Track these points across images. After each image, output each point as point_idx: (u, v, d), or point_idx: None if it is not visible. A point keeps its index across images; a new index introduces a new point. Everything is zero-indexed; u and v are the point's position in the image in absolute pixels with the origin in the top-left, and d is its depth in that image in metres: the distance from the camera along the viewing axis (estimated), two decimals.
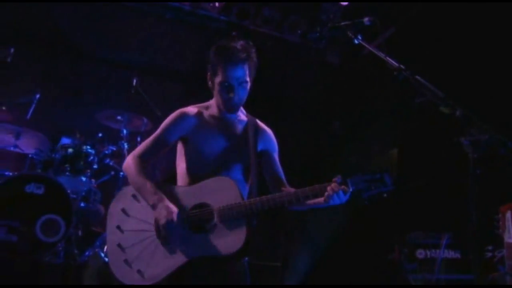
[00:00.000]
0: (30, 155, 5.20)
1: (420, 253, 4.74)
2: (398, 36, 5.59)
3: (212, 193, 2.50)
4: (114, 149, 5.41)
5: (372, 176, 2.34)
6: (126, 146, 5.35)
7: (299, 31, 6.48)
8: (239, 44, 2.58)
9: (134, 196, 2.62)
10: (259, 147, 2.76)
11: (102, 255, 4.54)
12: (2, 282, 4.08)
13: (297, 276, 5.99)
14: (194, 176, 2.61)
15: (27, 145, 5.26)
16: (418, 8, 5.63)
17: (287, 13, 6.37)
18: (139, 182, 2.56)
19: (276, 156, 2.82)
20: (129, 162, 2.64)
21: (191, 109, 2.73)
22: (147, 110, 5.50)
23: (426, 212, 5.28)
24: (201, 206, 2.50)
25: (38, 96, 5.32)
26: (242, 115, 2.81)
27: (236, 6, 6.15)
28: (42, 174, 4.87)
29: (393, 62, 2.30)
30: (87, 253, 4.73)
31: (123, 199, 2.66)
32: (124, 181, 5.15)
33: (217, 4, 6.09)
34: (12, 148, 5.24)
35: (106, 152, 5.38)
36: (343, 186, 2.34)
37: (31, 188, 4.60)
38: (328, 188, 2.35)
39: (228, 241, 2.39)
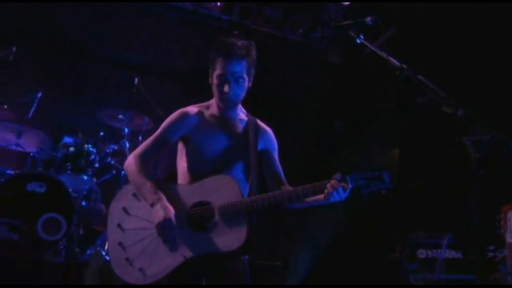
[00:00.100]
0: (31, 154, 5.20)
1: (421, 253, 4.73)
2: (400, 36, 5.59)
3: (212, 191, 2.51)
4: (116, 148, 5.41)
5: (371, 174, 2.38)
6: (127, 145, 5.35)
7: (300, 31, 6.48)
8: (239, 41, 2.61)
9: (134, 194, 2.63)
10: (259, 146, 2.78)
11: (103, 253, 4.55)
12: (3, 280, 4.08)
13: (298, 275, 5.99)
14: (195, 174, 2.63)
15: (29, 143, 5.26)
16: (419, 8, 5.62)
17: (289, 13, 6.37)
18: (139, 181, 2.58)
19: (276, 155, 2.84)
20: (130, 161, 2.66)
21: (192, 109, 2.75)
22: (148, 109, 5.50)
23: (427, 212, 5.27)
24: (202, 204, 2.51)
25: (39, 95, 5.33)
26: (242, 114, 2.83)
27: (238, 6, 6.15)
28: (43, 172, 4.87)
29: (395, 61, 2.30)
30: (88, 251, 4.74)
31: (124, 198, 2.66)
32: (126, 180, 5.15)
33: (218, 3, 6.09)
34: (13, 147, 5.24)
35: (108, 151, 5.38)
36: (342, 183, 2.37)
37: (32, 186, 4.60)
38: (328, 185, 2.38)
39: (229, 238, 2.41)
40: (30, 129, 5.14)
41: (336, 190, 2.35)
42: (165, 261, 2.47)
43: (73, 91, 6.46)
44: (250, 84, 2.72)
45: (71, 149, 5.15)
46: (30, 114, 5.27)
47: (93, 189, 5.29)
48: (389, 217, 5.64)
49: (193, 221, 2.49)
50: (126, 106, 5.47)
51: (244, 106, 2.87)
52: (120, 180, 5.35)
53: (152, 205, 2.50)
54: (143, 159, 2.66)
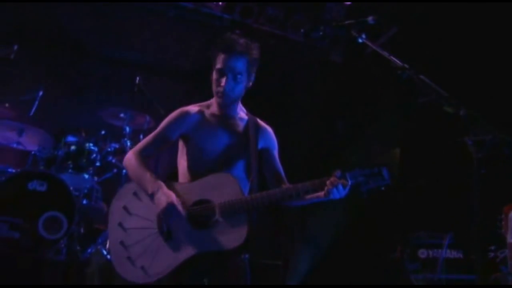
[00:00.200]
0: (32, 152, 5.20)
1: (422, 253, 4.74)
2: (402, 35, 5.59)
3: (213, 190, 2.52)
4: (117, 146, 5.41)
5: (371, 171, 2.39)
6: (128, 143, 5.35)
7: (302, 30, 6.47)
8: (242, 38, 2.64)
9: (135, 193, 2.64)
10: (260, 145, 2.79)
11: (104, 252, 4.55)
12: (4, 279, 4.08)
13: (298, 275, 5.99)
14: (195, 173, 2.64)
15: (30, 142, 5.27)
16: (421, 7, 5.61)
17: (290, 12, 6.36)
18: (139, 172, 2.60)
19: (276, 153, 2.86)
20: (130, 156, 2.69)
21: (192, 108, 2.77)
22: (150, 108, 5.50)
23: (428, 211, 5.27)
24: (203, 202, 2.52)
25: (41, 93, 5.33)
26: (242, 113, 2.85)
27: (239, 5, 6.15)
28: (44, 171, 4.87)
29: (397, 61, 2.30)
30: (89, 250, 4.74)
31: (124, 197, 2.67)
32: (127, 179, 5.16)
33: (220, 2, 6.08)
34: (14, 145, 5.24)
35: (109, 149, 5.38)
36: (342, 180, 2.38)
37: (33, 185, 4.61)
38: (328, 182, 2.39)
39: (230, 236, 2.42)
40: (31, 128, 5.14)
41: (335, 187, 2.37)
42: (166, 260, 2.47)
43: (74, 89, 6.47)
44: (251, 84, 2.74)
45: (72, 147, 5.15)
46: (31, 113, 5.28)
47: (94, 187, 5.29)
48: (390, 217, 5.64)
49: (194, 219, 2.50)
50: (127, 104, 5.47)
51: (246, 105, 2.88)
52: (121, 178, 5.35)
53: (153, 194, 2.51)
54: (142, 155, 2.68)
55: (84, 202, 5.19)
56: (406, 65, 2.26)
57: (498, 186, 3.36)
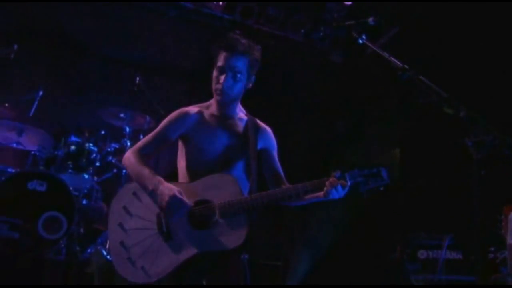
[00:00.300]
0: (32, 152, 5.20)
1: (422, 254, 4.73)
2: (402, 36, 5.58)
3: (213, 190, 2.53)
4: (117, 146, 5.41)
5: (370, 171, 2.41)
6: (128, 143, 5.35)
7: (302, 31, 6.47)
8: (244, 39, 2.67)
9: (134, 193, 2.64)
10: (259, 145, 2.81)
11: (104, 252, 4.55)
12: (4, 279, 4.08)
13: (298, 275, 5.99)
14: (195, 173, 2.65)
15: (30, 142, 5.26)
16: (421, 8, 5.61)
17: (291, 12, 6.36)
18: (137, 170, 2.61)
19: (275, 154, 2.88)
20: (128, 155, 2.70)
21: (192, 108, 2.79)
22: (150, 108, 5.50)
23: (428, 212, 5.27)
24: (203, 202, 2.53)
25: (41, 93, 5.33)
26: (241, 113, 2.87)
27: (240, 5, 6.14)
28: (44, 171, 4.87)
29: (397, 62, 2.30)
30: (89, 250, 4.74)
31: (124, 197, 2.67)
32: (126, 179, 5.16)
33: (220, 3, 6.08)
34: (14, 145, 5.24)
35: (109, 149, 5.38)
36: (341, 181, 2.40)
37: (33, 185, 4.61)
38: (327, 182, 2.41)
39: (230, 237, 2.43)
40: (31, 128, 5.14)
41: (335, 187, 2.39)
42: (167, 260, 2.48)
43: (74, 89, 6.47)
44: (250, 85, 2.76)
45: (72, 147, 5.15)
46: (31, 113, 5.27)
47: (94, 187, 5.29)
48: (390, 218, 5.64)
49: (194, 220, 2.50)
50: (127, 105, 5.46)
51: (246, 105, 2.89)
52: (121, 179, 5.35)
53: (153, 191, 2.52)
54: (141, 153, 2.70)
55: (84, 202, 5.19)
56: (406, 66, 2.26)
57: (498, 187, 3.36)
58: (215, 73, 2.68)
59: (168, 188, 2.48)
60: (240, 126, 2.79)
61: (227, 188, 2.51)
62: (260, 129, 2.84)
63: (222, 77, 2.63)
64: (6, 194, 4.50)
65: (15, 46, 5.11)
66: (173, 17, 6.23)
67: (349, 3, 5.92)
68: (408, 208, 5.48)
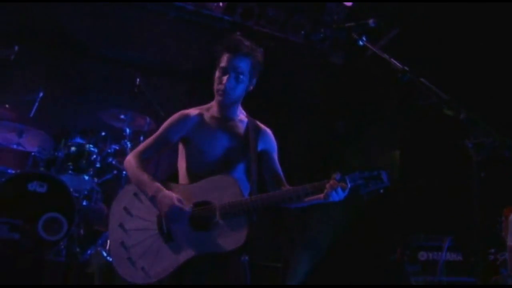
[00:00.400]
0: (32, 153, 5.20)
1: (422, 255, 4.74)
2: (402, 37, 5.58)
3: (213, 191, 2.54)
4: (117, 148, 5.41)
5: (370, 174, 2.42)
6: (129, 145, 5.35)
7: (302, 32, 6.47)
8: (247, 41, 2.69)
9: (135, 194, 2.65)
10: (260, 147, 2.82)
11: (104, 254, 4.55)
12: (4, 280, 4.08)
13: (298, 277, 5.98)
14: (196, 175, 2.65)
15: (30, 143, 5.26)
16: (422, 9, 5.61)
17: (291, 14, 6.37)
18: (138, 176, 2.61)
19: (275, 156, 2.89)
20: (130, 158, 2.71)
21: (192, 111, 2.80)
22: (150, 109, 5.50)
23: (428, 214, 5.27)
24: (203, 204, 2.53)
25: (41, 94, 5.33)
26: (242, 115, 2.87)
27: (240, 6, 6.15)
28: (45, 172, 4.87)
29: (397, 63, 2.30)
30: (89, 251, 4.73)
31: (125, 198, 2.68)
32: (127, 180, 5.15)
33: (221, 4, 6.08)
34: (15, 146, 5.24)
35: (109, 151, 5.38)
36: (341, 183, 2.41)
37: (33, 186, 4.61)
38: (327, 185, 2.42)
39: (230, 238, 2.44)
40: (32, 129, 5.14)
41: (335, 190, 2.39)
42: (167, 261, 2.48)
43: (74, 90, 6.47)
44: (251, 88, 2.77)
45: (73, 149, 5.15)
46: (32, 114, 5.27)
47: (94, 189, 5.29)
48: (390, 219, 5.64)
49: (195, 221, 2.51)
50: (127, 106, 5.47)
51: (246, 106, 2.90)
52: (121, 180, 5.35)
53: (152, 197, 2.52)
54: (143, 157, 2.70)
55: (84, 203, 5.19)
56: (406, 68, 2.26)
57: (498, 189, 3.36)
58: (217, 74, 2.69)
59: (167, 197, 2.48)
60: (241, 128, 2.79)
61: (228, 189, 2.52)
62: (261, 131, 2.84)
63: (225, 78, 2.64)
64: (6, 195, 4.49)
65: (16, 47, 5.12)
66: (173, 18, 6.24)
67: (349, 4, 5.92)
68: (408, 209, 5.48)
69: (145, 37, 6.61)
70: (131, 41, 6.63)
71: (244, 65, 2.65)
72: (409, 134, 5.97)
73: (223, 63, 2.66)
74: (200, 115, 2.77)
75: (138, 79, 5.49)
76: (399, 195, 5.48)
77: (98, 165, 5.25)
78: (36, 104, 5.30)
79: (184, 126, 2.73)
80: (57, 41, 6.39)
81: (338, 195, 2.41)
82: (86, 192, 5.19)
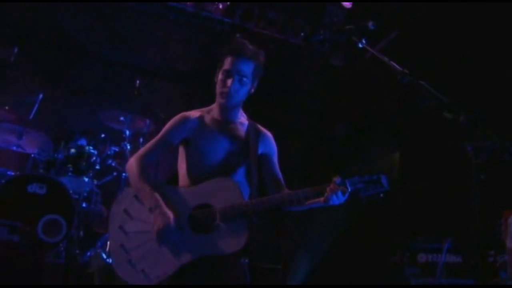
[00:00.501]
0: (32, 155, 5.20)
1: (421, 257, 4.73)
2: (402, 39, 5.59)
3: (214, 194, 2.54)
4: (117, 150, 5.41)
5: (370, 178, 2.44)
6: (128, 147, 5.35)
7: (302, 34, 6.48)
8: (251, 45, 2.69)
9: (135, 196, 2.65)
10: (260, 150, 2.82)
11: (104, 255, 4.55)
12: (3, 281, 4.08)
13: (298, 279, 5.98)
14: (196, 177, 2.65)
15: (30, 145, 5.26)
16: (422, 11, 5.62)
17: (291, 16, 6.37)
18: (139, 184, 2.61)
19: (275, 159, 2.89)
20: (132, 163, 2.70)
21: (193, 113, 2.80)
22: (150, 111, 5.50)
23: (428, 216, 5.27)
24: (203, 206, 2.54)
25: (41, 96, 5.34)
26: (242, 118, 2.87)
27: (240, 8, 6.15)
28: (44, 174, 4.88)
29: (397, 66, 2.31)
30: (88, 253, 4.74)
31: (125, 200, 2.67)
32: (126, 182, 5.15)
33: (220, 6, 6.08)
34: (14, 148, 5.24)
35: (109, 152, 5.38)
36: (341, 187, 2.42)
37: (33, 188, 4.61)
38: (328, 188, 2.43)
39: (230, 241, 2.44)
40: (31, 131, 5.14)
41: (335, 193, 2.40)
42: (167, 263, 2.48)
43: (74, 92, 6.47)
44: (253, 91, 2.78)
45: (72, 150, 5.15)
46: (31, 116, 5.28)
47: (93, 191, 5.29)
48: (389, 221, 5.64)
49: (195, 224, 2.51)
50: (127, 108, 5.47)
51: (246, 108, 2.89)
52: (121, 182, 5.35)
53: (150, 209, 2.53)
54: (145, 161, 2.70)
55: (84, 205, 5.19)
56: (406, 71, 2.27)
57: (497, 191, 3.36)
58: (220, 77, 2.69)
59: (164, 216, 2.48)
60: (241, 131, 2.79)
61: (228, 192, 2.52)
62: (261, 134, 2.84)
63: (229, 81, 2.64)
64: (6, 197, 4.50)
65: (15, 49, 5.12)
66: (173, 20, 6.24)
67: (349, 5, 5.92)
68: (407, 211, 5.48)
69: (145, 39, 6.62)
70: (131, 43, 6.63)
71: (247, 68, 2.65)
72: (409, 137, 5.98)
73: (227, 66, 2.65)
74: (201, 118, 2.77)
75: (137, 81, 5.48)
76: (398, 197, 5.48)
77: (97, 167, 5.25)
78: (36, 106, 5.31)
79: (185, 128, 2.73)
80: (56, 43, 6.39)
81: (338, 199, 2.42)
82: (85, 194, 5.19)
